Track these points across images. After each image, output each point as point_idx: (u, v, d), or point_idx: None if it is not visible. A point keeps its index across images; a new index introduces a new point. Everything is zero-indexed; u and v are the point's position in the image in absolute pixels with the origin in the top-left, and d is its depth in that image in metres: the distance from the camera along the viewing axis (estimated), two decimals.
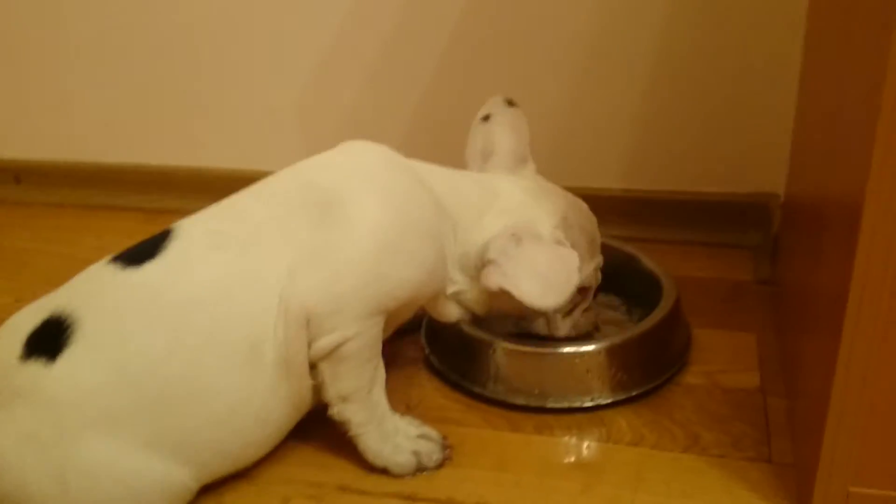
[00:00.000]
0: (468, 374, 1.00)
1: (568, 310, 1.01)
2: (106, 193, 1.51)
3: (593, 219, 1.04)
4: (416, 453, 0.89)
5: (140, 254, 0.85)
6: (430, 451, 0.90)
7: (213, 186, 1.45)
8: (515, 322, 1.03)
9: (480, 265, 0.92)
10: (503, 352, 0.97)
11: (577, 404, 0.96)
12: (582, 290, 1.00)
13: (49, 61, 1.46)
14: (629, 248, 1.13)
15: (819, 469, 0.77)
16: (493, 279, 0.89)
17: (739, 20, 1.19)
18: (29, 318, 0.84)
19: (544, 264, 0.90)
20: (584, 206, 1.04)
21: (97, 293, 0.84)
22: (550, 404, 0.96)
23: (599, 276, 1.04)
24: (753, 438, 0.91)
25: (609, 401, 0.97)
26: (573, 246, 0.95)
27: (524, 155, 1.06)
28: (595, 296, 1.05)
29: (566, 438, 0.93)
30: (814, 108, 1.00)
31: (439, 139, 1.12)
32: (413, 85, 1.34)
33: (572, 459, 0.91)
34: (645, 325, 0.99)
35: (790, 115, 1.18)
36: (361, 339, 0.86)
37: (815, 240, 0.89)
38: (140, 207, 1.49)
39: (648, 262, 1.10)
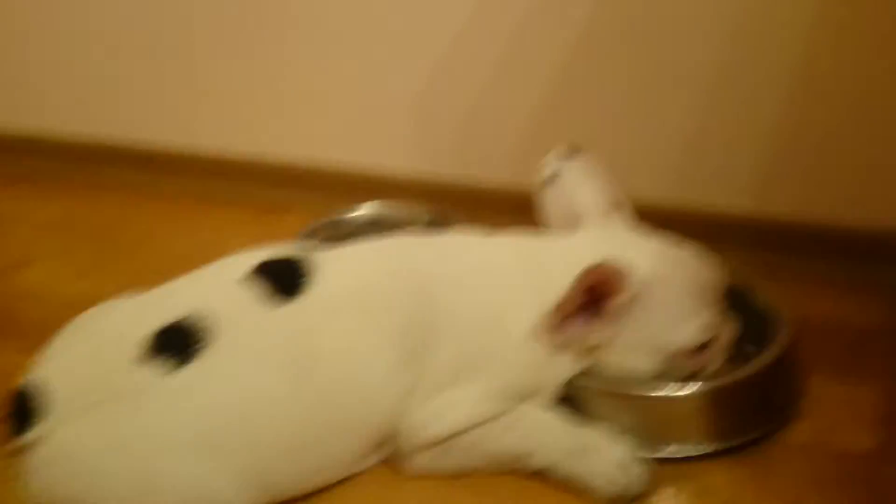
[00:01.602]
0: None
1: (690, 372, 0.92)
2: (224, 185, 1.52)
3: (706, 270, 0.94)
4: (615, 479, 0.85)
5: (280, 288, 0.86)
6: (630, 482, 0.85)
7: (325, 183, 1.46)
8: None
9: None
10: (591, 391, 0.91)
11: (671, 454, 0.89)
12: (697, 352, 0.91)
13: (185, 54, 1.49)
14: (741, 279, 1.03)
15: None
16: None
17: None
18: (143, 315, 0.84)
19: None
20: (692, 255, 0.94)
21: (234, 316, 0.84)
22: (640, 450, 0.89)
23: (731, 333, 0.95)
24: None
25: (706, 450, 0.89)
26: (663, 304, 0.88)
27: (610, 203, 0.98)
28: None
29: (653, 492, 0.86)
30: None
31: (557, 144, 1.06)
32: (535, 87, 1.29)
33: None
34: (752, 367, 0.91)
35: None
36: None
37: None
38: (251, 203, 1.49)
39: (763, 294, 1.01)
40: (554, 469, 0.87)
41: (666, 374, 0.91)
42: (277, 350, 0.83)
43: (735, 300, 1.01)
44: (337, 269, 0.89)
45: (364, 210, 1.29)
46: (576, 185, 0.99)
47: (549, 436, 0.88)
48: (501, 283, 0.92)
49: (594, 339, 0.89)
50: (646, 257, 0.90)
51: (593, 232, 0.97)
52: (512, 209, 1.12)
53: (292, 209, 1.44)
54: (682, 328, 0.89)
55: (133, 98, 1.56)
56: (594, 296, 0.87)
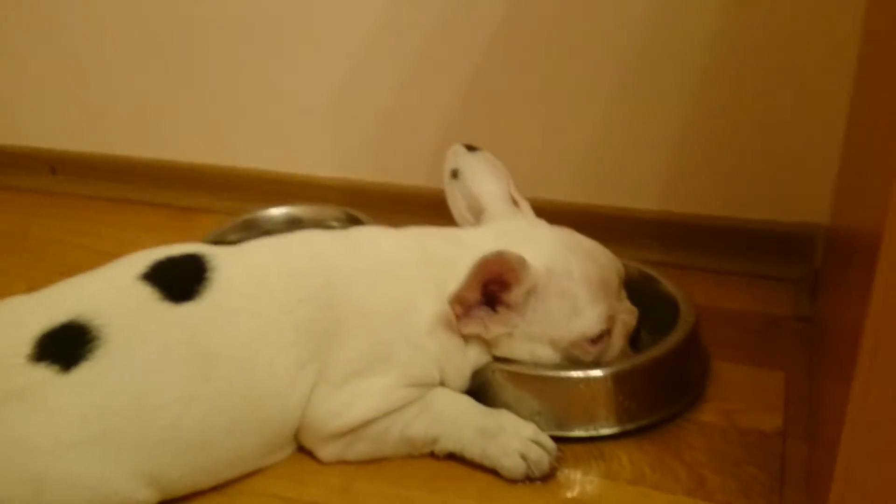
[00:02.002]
0: (470, 393, 0.93)
1: (592, 359, 0.93)
2: (136, 188, 1.50)
3: (604, 261, 0.95)
4: (524, 457, 0.85)
5: (177, 287, 0.84)
6: (539, 459, 0.85)
7: (240, 186, 1.44)
8: None
9: None
10: (502, 373, 0.91)
11: (578, 434, 0.90)
12: (595, 341, 0.91)
13: (87, 55, 1.46)
14: (648, 269, 1.06)
15: None
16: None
17: (790, 46, 1.11)
18: (36, 313, 0.82)
19: None
20: (591, 248, 0.95)
21: (130, 314, 0.82)
22: (549, 432, 0.89)
23: (632, 321, 0.96)
24: (765, 485, 0.84)
25: (613, 431, 0.90)
26: (560, 295, 0.89)
27: (511, 197, 1.00)
28: (636, 341, 0.97)
29: (561, 470, 0.87)
30: (856, 138, 0.92)
31: (472, 142, 1.07)
32: (446, 90, 1.30)
33: (564, 493, 0.84)
34: (656, 351, 0.92)
35: (838, 143, 1.10)
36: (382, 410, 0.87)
37: (847, 273, 0.82)
38: (167, 203, 1.48)
39: (668, 284, 1.03)
40: (464, 451, 0.87)
41: (568, 361, 0.92)
42: (174, 349, 0.81)
43: (640, 290, 1.03)
44: (237, 267, 0.88)
45: (279, 210, 1.28)
46: (477, 180, 1.00)
47: (458, 419, 0.88)
48: (405, 276, 0.91)
49: (495, 330, 0.89)
50: (545, 249, 0.91)
51: (495, 225, 0.97)
52: (427, 209, 1.12)
53: (209, 211, 1.43)
54: (580, 319, 0.90)
55: (40, 103, 1.54)
56: (495, 287, 0.87)
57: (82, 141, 1.52)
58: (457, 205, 1.02)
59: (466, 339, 0.91)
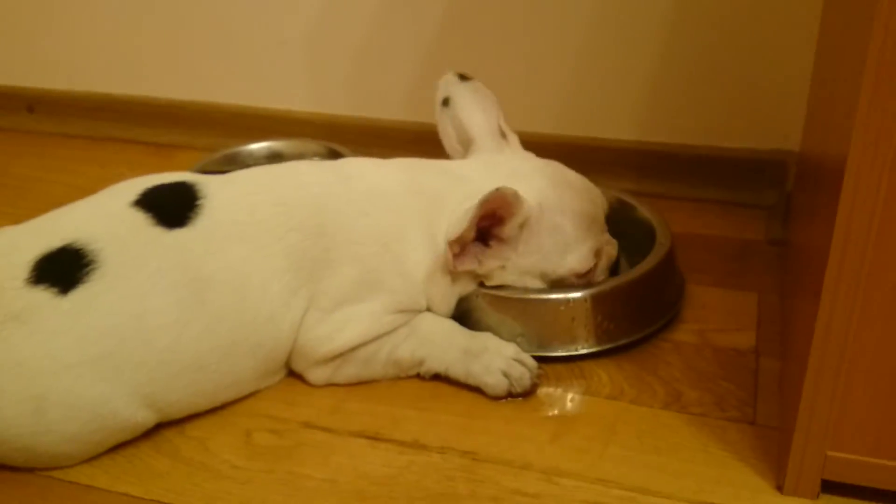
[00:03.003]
0: (454, 318, 0.96)
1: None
2: (114, 125, 1.50)
3: (592, 198, 0.97)
4: (506, 375, 0.88)
5: (170, 213, 0.85)
6: (521, 376, 0.88)
7: (219, 122, 1.44)
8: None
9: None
10: (485, 297, 0.94)
11: (559, 353, 0.93)
12: (581, 276, 0.94)
13: None
14: (626, 197, 1.08)
15: (796, 431, 0.73)
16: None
17: None
18: (31, 240, 0.83)
19: None
20: (580, 184, 0.97)
21: (124, 239, 0.83)
22: (531, 353, 0.92)
23: (614, 252, 0.98)
24: (739, 399, 0.87)
25: (593, 350, 0.93)
26: (552, 230, 0.91)
27: (500, 130, 1.01)
28: (615, 271, 0.99)
29: (542, 388, 0.90)
30: (825, 65, 0.94)
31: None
32: (425, 24, 1.30)
33: (546, 409, 0.88)
34: (633, 273, 0.95)
35: (808, 71, 1.12)
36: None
37: (816, 198, 0.84)
38: (147, 141, 1.48)
39: (646, 211, 1.05)
40: (449, 371, 0.90)
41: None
42: (168, 274, 0.82)
43: (618, 217, 1.05)
44: (228, 195, 0.89)
45: (260, 145, 1.29)
46: (467, 111, 1.01)
47: (443, 342, 0.91)
48: (394, 206, 0.92)
49: (489, 265, 0.91)
50: (536, 184, 0.93)
51: (485, 158, 0.99)
52: (405, 143, 1.14)
53: (187, 147, 1.43)
54: (571, 255, 0.93)
55: (15, 42, 1.52)
56: (487, 222, 0.89)
57: (59, 79, 1.52)
58: (447, 135, 1.02)
59: (459, 274, 0.93)
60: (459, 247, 0.89)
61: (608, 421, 0.85)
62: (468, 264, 0.90)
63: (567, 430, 0.84)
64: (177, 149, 1.45)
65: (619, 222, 1.03)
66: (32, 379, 0.77)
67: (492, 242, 0.91)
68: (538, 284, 0.94)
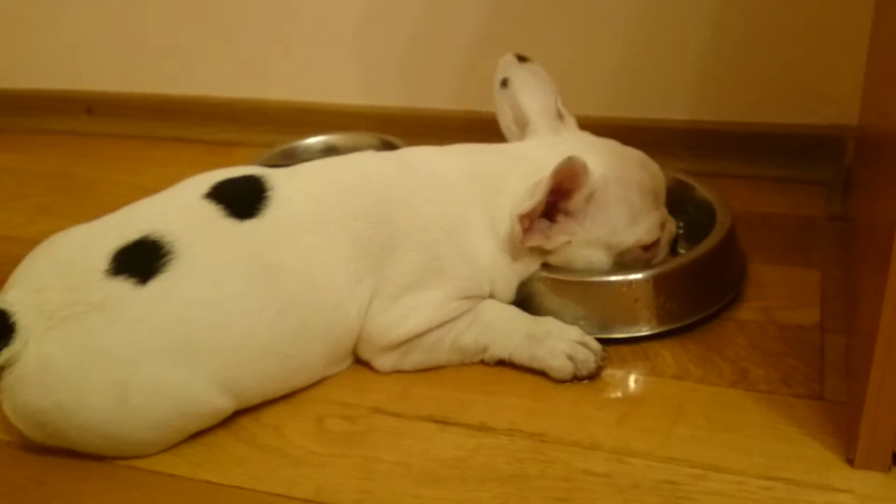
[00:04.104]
0: (515, 303, 0.97)
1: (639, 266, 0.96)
2: (172, 125, 1.53)
3: (653, 171, 0.98)
4: (571, 358, 0.89)
5: (240, 204, 0.87)
6: (586, 359, 0.89)
7: (272, 118, 1.47)
8: None
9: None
10: (546, 281, 0.95)
11: (622, 335, 0.93)
12: (647, 248, 0.95)
13: None
14: (683, 177, 1.08)
15: (866, 404, 0.73)
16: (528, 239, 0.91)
17: None
18: (109, 233, 0.85)
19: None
20: (640, 158, 0.98)
21: (198, 230, 0.85)
22: (594, 335, 0.93)
23: (673, 228, 1.00)
24: (806, 375, 0.87)
25: (656, 331, 0.93)
26: (618, 202, 0.92)
27: (557, 111, 1.02)
28: (674, 249, 1.01)
29: (606, 370, 0.91)
30: (884, 39, 0.93)
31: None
32: (473, 12, 1.31)
33: (611, 391, 0.88)
34: (695, 253, 0.95)
35: (864, 44, 1.11)
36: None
37: (879, 172, 0.84)
38: (203, 139, 1.51)
39: (704, 191, 1.05)
40: (513, 356, 0.91)
41: (618, 266, 0.95)
42: (241, 262, 0.85)
43: (677, 197, 1.06)
44: (295, 187, 0.91)
45: (316, 139, 1.31)
46: (525, 92, 1.02)
47: (506, 328, 0.92)
48: (455, 192, 0.94)
49: (556, 240, 0.92)
50: (600, 157, 0.93)
51: (543, 138, 1.00)
52: (457, 132, 1.14)
53: (243, 144, 1.46)
54: (638, 226, 0.94)
55: (73, 46, 1.56)
56: (554, 196, 0.90)
57: (116, 81, 1.55)
58: (504, 115, 1.03)
59: (518, 251, 0.94)
60: (529, 221, 0.90)
61: (675, 401, 0.86)
62: (536, 239, 0.91)
63: (634, 410, 0.85)
64: (233, 146, 1.48)
65: (679, 202, 1.03)
66: (115, 366, 0.80)
67: (558, 217, 0.92)
68: (603, 259, 0.95)
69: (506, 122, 1.04)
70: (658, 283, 0.93)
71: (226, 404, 0.85)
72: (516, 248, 0.93)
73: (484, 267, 0.93)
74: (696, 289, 0.95)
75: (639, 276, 0.93)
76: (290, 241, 0.87)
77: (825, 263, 1.05)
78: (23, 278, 0.85)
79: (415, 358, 0.92)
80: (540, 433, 0.83)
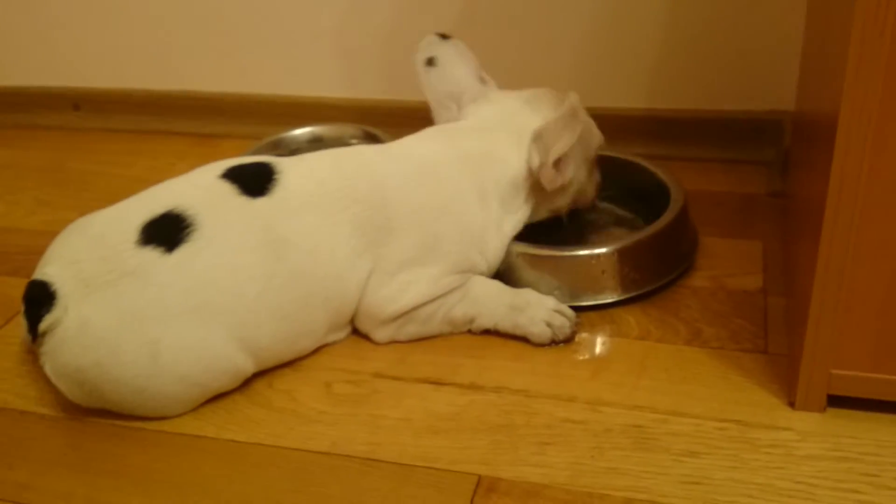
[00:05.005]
0: (496, 277, 1.07)
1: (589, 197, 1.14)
2: (158, 119, 1.61)
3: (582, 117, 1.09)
4: (549, 325, 1.00)
5: (252, 184, 0.97)
6: (562, 325, 1.00)
7: (257, 111, 1.55)
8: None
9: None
10: (525, 257, 1.06)
11: (591, 302, 1.05)
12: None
13: None
14: (641, 161, 1.21)
15: (804, 355, 0.86)
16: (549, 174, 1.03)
17: None
18: (137, 209, 0.95)
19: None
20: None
21: (216, 205, 0.95)
22: (567, 304, 1.04)
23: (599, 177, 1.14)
24: (751, 333, 1.00)
25: (621, 298, 1.05)
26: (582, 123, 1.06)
27: (481, 78, 1.14)
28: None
29: (580, 334, 1.02)
30: (816, 28, 1.06)
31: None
32: (448, 10, 1.41)
33: (584, 352, 1.00)
34: (653, 228, 1.07)
35: (800, 39, 1.23)
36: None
37: (812, 152, 0.96)
38: (190, 132, 1.59)
39: (660, 173, 1.17)
40: (498, 326, 1.02)
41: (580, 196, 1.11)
42: (254, 235, 0.94)
43: (637, 179, 1.18)
44: (301, 171, 1.01)
45: (302, 131, 1.40)
46: (454, 66, 1.13)
47: (491, 300, 1.03)
48: (445, 175, 1.04)
49: (570, 171, 1.05)
50: (547, 100, 1.09)
51: (485, 107, 1.12)
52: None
53: (229, 136, 1.54)
54: (596, 131, 1.10)
55: (60, 43, 1.62)
56: None
57: (102, 77, 1.62)
58: (435, 92, 1.14)
59: (502, 217, 1.06)
60: (557, 159, 1.02)
61: (638, 358, 0.98)
62: (568, 173, 1.05)
63: (604, 368, 0.97)
64: (220, 138, 1.56)
65: (638, 184, 1.15)
66: (148, 326, 0.89)
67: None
68: (583, 174, 1.10)
69: (436, 98, 1.14)
70: (622, 255, 1.05)
71: (246, 363, 0.94)
72: (522, 204, 1.07)
73: (476, 238, 1.04)
74: (655, 260, 1.07)
75: (605, 249, 1.05)
76: (296, 218, 0.97)
77: (766, 235, 1.18)
78: (59, 254, 0.94)
79: (410, 329, 1.02)
80: (524, 389, 0.94)
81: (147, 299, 0.90)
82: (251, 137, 1.47)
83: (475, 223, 1.04)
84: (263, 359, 0.97)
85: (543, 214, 1.11)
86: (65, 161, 1.56)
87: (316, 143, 1.38)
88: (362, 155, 1.07)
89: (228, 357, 0.93)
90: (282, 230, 0.96)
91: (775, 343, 0.98)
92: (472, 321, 1.03)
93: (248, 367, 0.96)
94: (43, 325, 0.89)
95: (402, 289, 1.00)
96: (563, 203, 1.11)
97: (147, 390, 0.91)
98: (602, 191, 1.19)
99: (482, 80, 1.14)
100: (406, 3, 1.41)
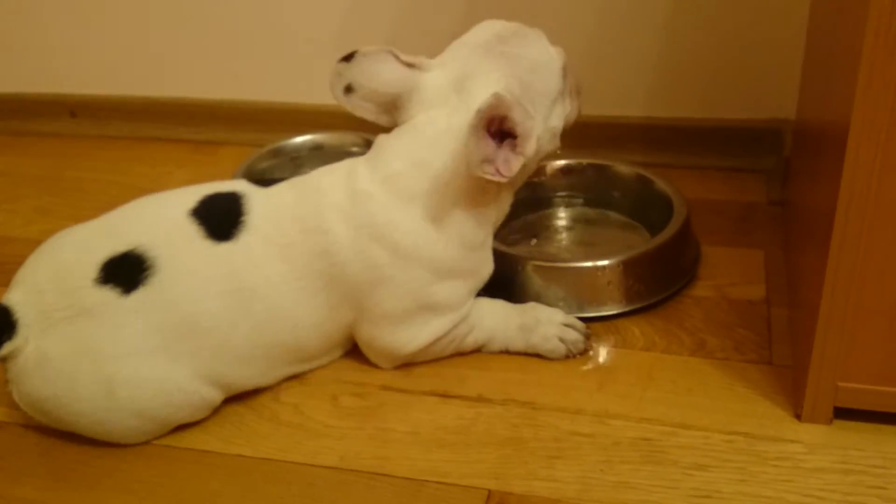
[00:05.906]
0: (502, 287, 1.06)
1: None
2: (155, 126, 1.60)
3: (534, 38, 1.01)
4: (562, 340, 0.99)
5: (218, 227, 0.93)
6: (576, 340, 1.00)
7: (254, 118, 1.55)
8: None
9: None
10: (532, 268, 1.06)
11: (596, 314, 1.05)
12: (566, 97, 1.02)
13: (101, 2, 1.54)
14: (644, 172, 1.21)
15: (811, 367, 0.86)
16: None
17: None
18: (102, 241, 0.93)
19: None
20: (512, 33, 0.99)
21: (179, 247, 0.92)
22: (573, 315, 1.04)
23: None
24: (756, 343, 1.00)
25: (626, 309, 1.06)
26: (539, 80, 0.98)
27: (405, 65, 0.98)
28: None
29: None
30: (819, 37, 1.06)
31: None
32: (447, 16, 1.40)
33: (590, 363, 1.00)
34: (657, 240, 1.07)
35: (801, 48, 1.24)
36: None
37: (816, 162, 0.96)
38: (188, 139, 1.59)
39: (662, 184, 1.18)
40: (510, 348, 1.02)
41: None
42: (217, 282, 0.92)
43: (639, 190, 1.19)
44: (265, 213, 0.95)
45: (303, 138, 1.40)
46: (375, 76, 0.98)
47: (501, 323, 1.01)
48: (411, 214, 0.94)
49: (531, 146, 0.90)
50: (495, 75, 0.94)
51: (424, 105, 0.97)
52: None
53: (228, 143, 1.54)
54: (553, 65, 0.99)
55: (56, 50, 1.62)
56: (496, 124, 0.88)
57: (98, 84, 1.61)
58: (368, 112, 0.99)
59: (514, 175, 0.90)
60: (490, 165, 0.89)
61: (645, 369, 0.98)
62: (516, 162, 0.89)
63: (610, 379, 0.97)
64: (217, 145, 1.56)
65: (641, 195, 1.16)
66: (102, 363, 0.89)
67: (515, 131, 0.89)
68: (554, 119, 0.99)
69: (372, 116, 1.00)
70: (627, 267, 1.05)
71: (213, 394, 0.94)
72: (491, 202, 0.96)
73: (461, 256, 0.96)
74: (658, 272, 1.08)
75: (610, 261, 1.05)
76: (261, 268, 0.94)
77: (767, 244, 1.18)
78: (27, 278, 0.93)
79: (428, 357, 1.01)
80: (531, 401, 0.95)
81: (102, 338, 0.89)
82: (249, 144, 1.46)
83: (451, 245, 0.95)
84: (234, 389, 0.96)
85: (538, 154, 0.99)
86: (62, 169, 1.55)
87: (317, 151, 1.37)
88: (323, 193, 0.96)
89: (194, 391, 0.92)
90: (247, 279, 0.93)
91: (780, 354, 0.98)
92: (483, 347, 1.02)
93: (216, 398, 0.95)
94: (3, 351, 0.88)
95: (416, 331, 0.98)
96: (535, 165, 1.01)
97: (106, 423, 0.91)
98: (603, 197, 1.18)
99: (410, 66, 0.98)
100: (405, 11, 1.41)
